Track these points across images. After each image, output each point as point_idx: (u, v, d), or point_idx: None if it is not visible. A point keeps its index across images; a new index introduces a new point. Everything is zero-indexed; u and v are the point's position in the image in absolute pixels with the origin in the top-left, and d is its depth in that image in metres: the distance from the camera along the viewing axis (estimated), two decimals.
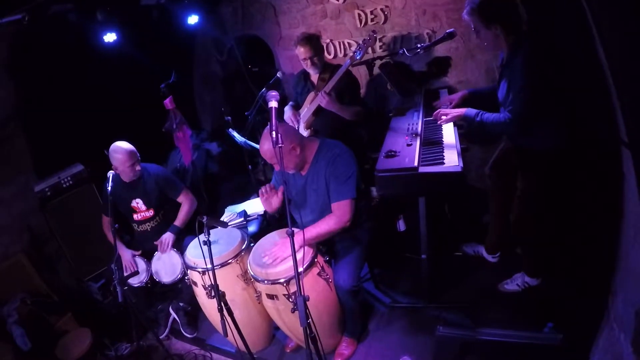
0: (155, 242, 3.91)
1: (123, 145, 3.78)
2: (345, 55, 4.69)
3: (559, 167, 3.05)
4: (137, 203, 4.01)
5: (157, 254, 3.88)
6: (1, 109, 4.25)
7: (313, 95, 4.04)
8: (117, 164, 3.77)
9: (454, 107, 3.48)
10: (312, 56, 3.92)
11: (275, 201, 3.24)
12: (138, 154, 3.85)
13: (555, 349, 2.45)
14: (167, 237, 3.89)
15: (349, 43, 4.65)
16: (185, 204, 4.08)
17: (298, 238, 2.78)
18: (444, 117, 3.26)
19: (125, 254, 3.88)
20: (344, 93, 3.91)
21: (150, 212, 4.06)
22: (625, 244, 2.28)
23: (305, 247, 2.92)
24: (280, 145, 2.25)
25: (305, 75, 4.25)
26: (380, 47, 4.47)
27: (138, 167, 3.85)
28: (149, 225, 4.10)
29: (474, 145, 4.33)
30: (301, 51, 3.92)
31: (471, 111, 3.12)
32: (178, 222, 3.99)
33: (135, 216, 4.06)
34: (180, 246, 3.93)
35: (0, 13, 3.38)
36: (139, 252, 3.95)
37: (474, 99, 3.51)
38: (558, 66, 2.84)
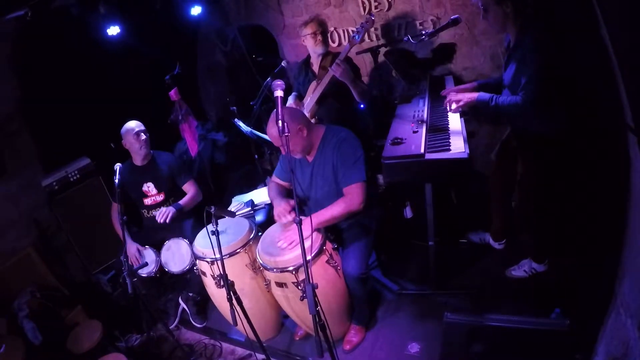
0: (157, 218, 3.87)
1: (129, 122, 3.99)
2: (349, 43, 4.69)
3: (559, 151, 3.04)
4: (149, 187, 4.06)
5: (166, 245, 3.88)
6: (6, 105, 4.27)
7: (315, 84, 4.03)
8: (125, 139, 3.94)
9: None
10: (322, 31, 3.93)
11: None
12: (143, 126, 3.99)
13: (562, 335, 2.45)
14: (169, 209, 3.88)
15: (352, 31, 4.62)
16: (190, 193, 4.13)
17: (308, 222, 2.81)
18: (455, 104, 3.24)
19: (131, 247, 3.88)
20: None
21: (161, 196, 4.10)
22: (632, 229, 2.28)
23: (314, 235, 2.91)
24: (286, 134, 2.26)
25: (306, 65, 4.24)
26: (385, 34, 4.44)
27: (143, 137, 3.95)
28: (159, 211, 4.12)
29: (480, 131, 4.32)
30: (309, 26, 3.92)
31: (484, 95, 3.09)
32: (182, 202, 4.02)
33: (145, 201, 4.11)
34: (183, 232, 3.96)
35: (3, 10, 3.39)
36: (145, 248, 3.97)
37: (481, 90, 3.49)
38: (563, 49, 2.82)
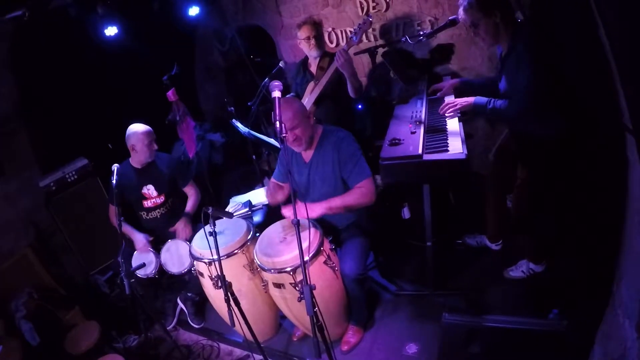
0: (171, 230, 3.95)
1: (141, 125, 3.88)
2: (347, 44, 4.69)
3: (559, 154, 3.04)
4: (148, 189, 4.02)
5: (166, 245, 3.86)
6: (4, 105, 4.26)
7: (313, 85, 4.03)
8: (134, 142, 3.83)
9: (444, 95, 3.55)
10: (315, 35, 3.94)
11: (280, 196, 3.34)
12: (154, 133, 3.93)
13: (560, 335, 2.45)
14: (185, 225, 3.95)
15: (351, 31, 4.61)
16: (192, 195, 4.15)
17: (318, 205, 2.98)
18: (451, 109, 3.25)
19: (139, 239, 3.89)
20: (342, 79, 3.90)
21: (161, 198, 4.08)
22: (629, 231, 2.28)
23: (311, 237, 2.90)
24: (284, 135, 2.26)
25: (304, 65, 4.25)
26: (383, 34, 4.45)
27: (155, 147, 3.93)
28: (158, 212, 4.11)
29: (478, 132, 4.32)
30: (303, 30, 3.94)
31: (481, 99, 3.09)
32: (189, 209, 4.06)
33: (145, 203, 4.07)
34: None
35: (1, 10, 3.39)
36: (152, 238, 3.95)
37: (465, 89, 3.50)
38: (557, 51, 2.82)
